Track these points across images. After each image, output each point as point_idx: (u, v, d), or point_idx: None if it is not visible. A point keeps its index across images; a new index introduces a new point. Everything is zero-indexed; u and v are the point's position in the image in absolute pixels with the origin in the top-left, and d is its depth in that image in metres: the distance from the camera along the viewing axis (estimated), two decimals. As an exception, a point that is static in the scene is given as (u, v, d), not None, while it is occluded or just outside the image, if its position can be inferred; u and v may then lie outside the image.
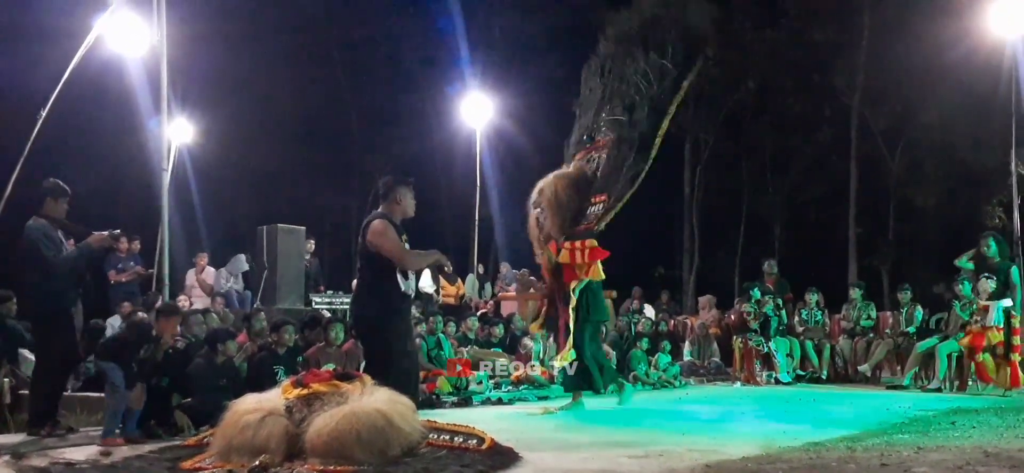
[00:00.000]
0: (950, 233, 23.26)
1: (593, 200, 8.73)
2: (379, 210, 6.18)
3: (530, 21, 26.06)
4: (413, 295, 6.22)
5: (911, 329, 11.88)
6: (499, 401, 9.53)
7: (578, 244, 8.46)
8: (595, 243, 8.53)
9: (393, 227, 6.00)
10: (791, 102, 24.85)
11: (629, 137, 8.83)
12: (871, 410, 8.30)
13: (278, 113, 25.75)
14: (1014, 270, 10.41)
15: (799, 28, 23.76)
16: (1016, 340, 10.17)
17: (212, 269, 14.04)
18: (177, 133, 15.44)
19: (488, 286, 17.04)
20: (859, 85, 23.10)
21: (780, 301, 12.91)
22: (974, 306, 10.48)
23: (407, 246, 6.09)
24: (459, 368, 9.93)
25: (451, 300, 14.93)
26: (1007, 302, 10.19)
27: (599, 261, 8.50)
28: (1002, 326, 10.12)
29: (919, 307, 12.24)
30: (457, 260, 16.97)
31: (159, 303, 8.77)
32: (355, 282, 7.02)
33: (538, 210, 8.76)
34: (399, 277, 5.95)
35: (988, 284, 10.24)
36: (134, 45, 9.71)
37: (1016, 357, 10.12)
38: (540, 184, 8.86)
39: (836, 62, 23.30)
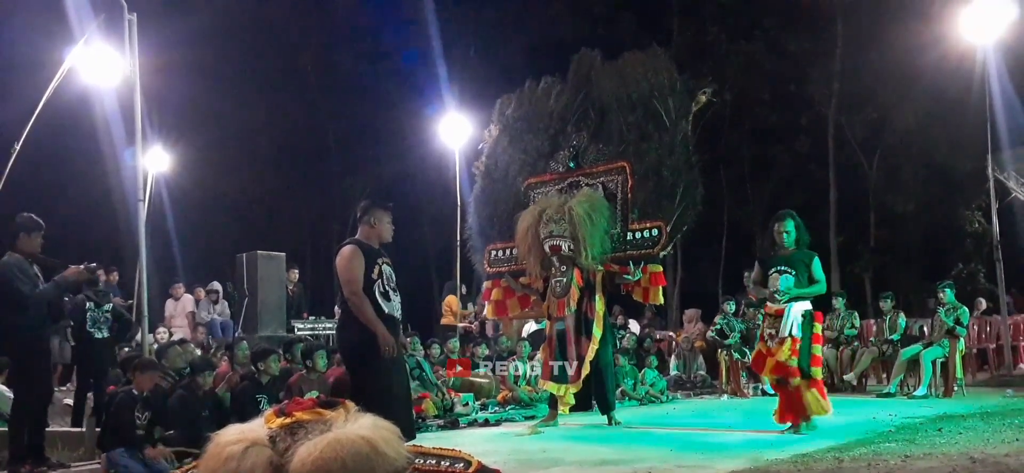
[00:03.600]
0: (931, 238, 23.45)
1: (634, 225, 8.63)
2: (356, 236, 6.11)
3: (507, 42, 26.08)
4: (399, 317, 6.11)
5: (895, 336, 11.92)
6: (486, 422, 9.47)
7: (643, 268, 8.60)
8: (660, 268, 8.76)
9: (363, 255, 5.85)
10: (768, 112, 24.96)
11: (666, 164, 8.63)
12: (858, 419, 8.31)
13: (255, 139, 25.66)
14: (816, 262, 7.74)
15: (774, 39, 23.93)
16: (817, 349, 7.65)
17: (190, 296, 13.93)
18: (153, 163, 15.32)
19: (470, 305, 17.00)
20: (834, 94, 23.25)
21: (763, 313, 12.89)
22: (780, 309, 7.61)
23: (387, 267, 5.99)
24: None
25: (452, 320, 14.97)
26: (806, 305, 7.57)
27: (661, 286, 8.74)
28: (800, 336, 7.44)
29: (902, 314, 12.33)
30: (441, 280, 16.93)
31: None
32: (337, 308, 6.92)
33: (561, 239, 8.40)
34: (379, 299, 5.80)
35: (782, 280, 7.59)
36: (107, 76, 9.57)
37: (819, 373, 7.66)
38: (551, 209, 8.56)
39: (811, 71, 23.45)
